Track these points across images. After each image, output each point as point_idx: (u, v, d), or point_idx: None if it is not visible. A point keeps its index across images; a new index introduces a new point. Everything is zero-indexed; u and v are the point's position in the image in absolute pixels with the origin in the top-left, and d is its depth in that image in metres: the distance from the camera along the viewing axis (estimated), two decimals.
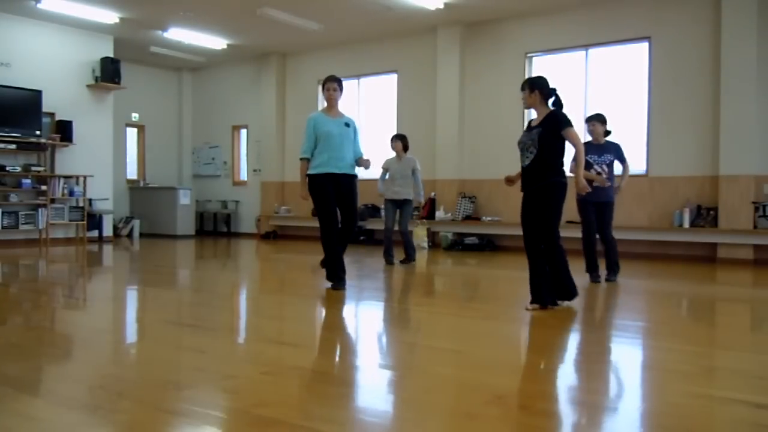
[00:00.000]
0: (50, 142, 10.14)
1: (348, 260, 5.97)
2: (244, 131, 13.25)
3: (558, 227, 4.52)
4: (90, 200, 10.82)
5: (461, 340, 3.66)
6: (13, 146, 9.74)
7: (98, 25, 10.44)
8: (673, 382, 2.73)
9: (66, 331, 3.86)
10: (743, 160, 7.97)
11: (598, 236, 6.04)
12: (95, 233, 11.06)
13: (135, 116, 13.09)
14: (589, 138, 6.08)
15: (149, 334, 3.81)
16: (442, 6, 9.21)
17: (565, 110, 4.57)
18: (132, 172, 13.30)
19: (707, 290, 6.08)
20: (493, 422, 2.19)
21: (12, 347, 3.26)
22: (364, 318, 4.48)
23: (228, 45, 11.64)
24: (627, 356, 3.36)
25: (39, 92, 9.98)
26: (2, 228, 9.68)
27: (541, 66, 9.71)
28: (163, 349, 3.33)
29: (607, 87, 9.11)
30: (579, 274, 6.00)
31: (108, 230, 11.37)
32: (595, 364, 3.18)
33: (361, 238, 10.75)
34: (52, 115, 10.41)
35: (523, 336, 3.89)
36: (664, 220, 8.54)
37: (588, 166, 6.00)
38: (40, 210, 10.10)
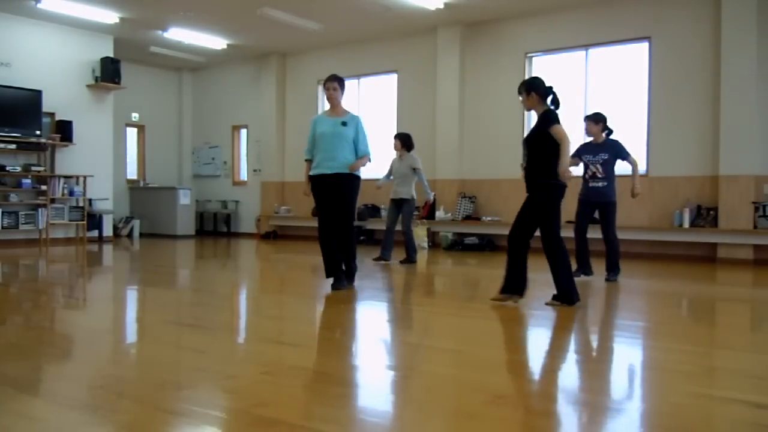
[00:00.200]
0: (50, 142, 10.14)
1: None
2: (244, 131, 13.25)
3: (558, 228, 4.51)
4: (90, 200, 10.82)
5: (461, 340, 3.66)
6: (13, 146, 9.74)
7: (98, 25, 10.44)
8: (673, 382, 2.73)
9: (66, 331, 3.86)
10: (743, 160, 7.97)
11: (602, 236, 6.05)
12: (95, 233, 11.06)
13: (135, 116, 13.09)
14: (590, 139, 6.09)
15: (149, 334, 3.81)
16: (442, 6, 9.21)
17: (563, 109, 4.58)
18: (132, 172, 13.31)
19: (707, 290, 6.08)
20: (493, 422, 2.19)
21: (12, 347, 3.26)
22: (364, 318, 4.48)
23: (228, 45, 11.64)
24: (627, 356, 3.36)
25: (39, 92, 9.98)
26: (2, 228, 9.68)
27: (541, 66, 9.71)
28: (163, 349, 3.33)
29: (607, 87, 9.11)
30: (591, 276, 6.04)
31: (108, 230, 11.37)
32: (595, 363, 3.18)
33: (362, 238, 10.74)
34: (52, 115, 10.41)
35: (523, 336, 3.89)
36: (664, 220, 8.54)
37: (585, 166, 6.01)
38: (40, 210, 10.10)
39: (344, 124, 5.33)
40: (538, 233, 4.57)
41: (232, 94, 13.27)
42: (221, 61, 13.04)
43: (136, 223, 12.48)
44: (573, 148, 5.43)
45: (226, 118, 13.41)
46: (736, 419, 2.27)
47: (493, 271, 7.45)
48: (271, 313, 4.69)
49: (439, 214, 10.09)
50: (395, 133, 7.99)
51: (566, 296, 4.48)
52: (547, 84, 4.58)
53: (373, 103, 11.42)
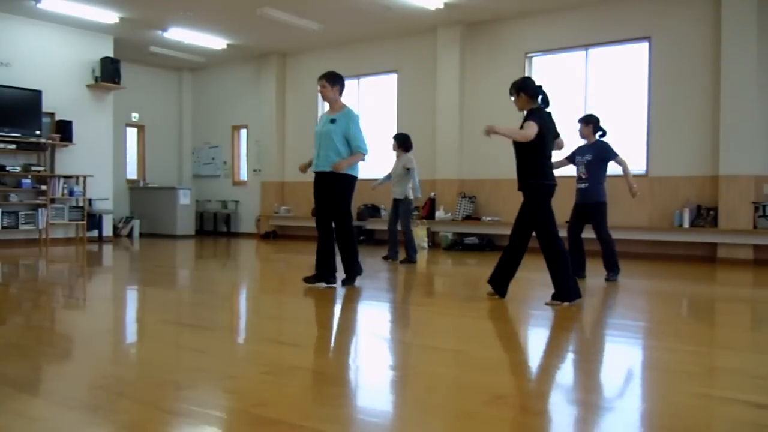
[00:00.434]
0: (50, 142, 10.14)
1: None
2: (244, 131, 13.25)
3: (550, 228, 4.54)
4: (90, 200, 10.82)
5: (461, 340, 3.66)
6: (13, 146, 9.74)
7: (98, 25, 10.44)
8: (673, 382, 2.73)
9: (66, 331, 3.86)
10: (743, 160, 7.97)
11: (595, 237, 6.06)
12: (95, 233, 11.06)
13: (135, 116, 13.10)
14: (584, 141, 6.14)
15: (149, 334, 3.81)
16: (442, 6, 9.21)
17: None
18: (132, 172, 13.31)
19: (707, 290, 6.08)
20: (492, 422, 2.19)
21: (12, 347, 3.26)
22: (364, 318, 4.48)
23: (228, 45, 11.64)
24: (627, 356, 3.36)
25: (39, 92, 9.98)
26: (2, 228, 9.68)
27: (541, 66, 9.71)
28: (163, 349, 3.33)
29: (607, 87, 9.11)
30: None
31: (108, 230, 11.37)
32: (595, 363, 3.18)
33: (362, 237, 10.75)
34: (52, 115, 10.42)
35: (523, 336, 3.89)
36: (664, 220, 8.53)
37: (576, 168, 6.08)
38: (40, 210, 10.09)
39: (333, 121, 5.30)
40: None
41: (232, 94, 13.27)
42: (221, 61, 13.04)
43: (136, 223, 12.48)
44: (560, 152, 5.44)
45: (226, 118, 13.41)
46: (736, 419, 2.27)
47: None
48: (271, 313, 4.69)
49: (439, 214, 10.09)
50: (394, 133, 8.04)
51: (563, 293, 4.48)
52: (548, 84, 4.63)
53: (373, 103, 11.42)
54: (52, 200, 10.13)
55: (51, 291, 5.59)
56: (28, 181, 9.95)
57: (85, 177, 10.42)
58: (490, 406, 2.36)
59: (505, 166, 9.53)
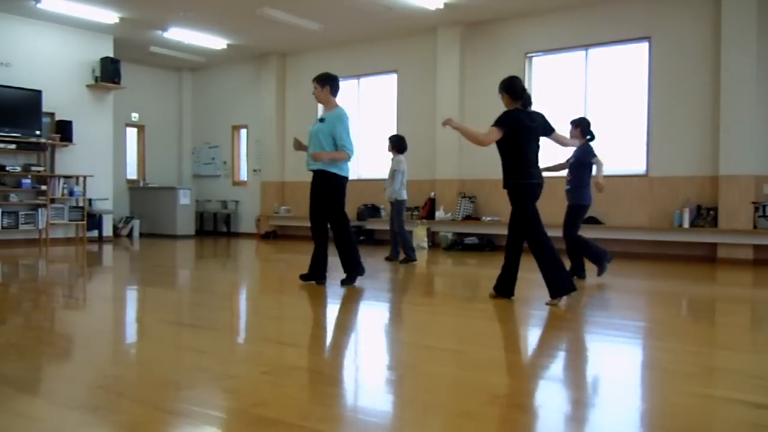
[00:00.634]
0: (50, 142, 10.14)
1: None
2: (244, 131, 13.25)
3: (535, 227, 4.61)
4: (90, 200, 10.82)
5: (461, 340, 3.66)
6: (13, 146, 9.74)
7: (98, 25, 10.44)
8: (673, 382, 2.73)
9: (66, 331, 3.86)
10: (743, 160, 7.97)
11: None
12: (95, 233, 11.06)
13: (135, 116, 13.09)
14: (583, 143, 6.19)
15: (149, 334, 3.81)
16: (442, 6, 9.21)
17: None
18: (132, 172, 13.30)
19: (707, 290, 6.08)
20: (492, 422, 2.19)
21: (12, 347, 3.26)
22: (364, 318, 4.48)
23: (228, 45, 11.64)
24: (627, 356, 3.36)
25: (39, 92, 9.98)
26: (2, 228, 9.68)
27: (541, 66, 9.71)
28: (163, 349, 3.33)
29: (607, 87, 9.11)
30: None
31: (108, 230, 11.37)
32: (594, 363, 3.18)
33: (361, 238, 10.75)
34: (52, 115, 10.42)
35: (523, 336, 3.89)
36: (664, 220, 8.53)
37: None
38: (40, 210, 10.09)
39: (322, 120, 5.40)
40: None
41: (232, 94, 13.27)
42: (221, 61, 13.04)
43: (136, 223, 12.48)
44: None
45: (225, 118, 13.41)
46: (736, 419, 2.27)
47: (493, 271, 7.41)
48: (271, 313, 4.69)
49: (439, 214, 10.09)
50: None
51: (557, 289, 4.53)
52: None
53: (373, 103, 11.42)
54: (52, 200, 10.13)
55: (51, 291, 5.59)
56: (28, 181, 9.95)
57: (85, 177, 10.42)
58: (489, 406, 2.36)
59: None
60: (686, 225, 8.22)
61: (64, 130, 10.36)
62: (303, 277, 5.64)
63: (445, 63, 10.26)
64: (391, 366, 3.07)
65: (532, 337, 3.86)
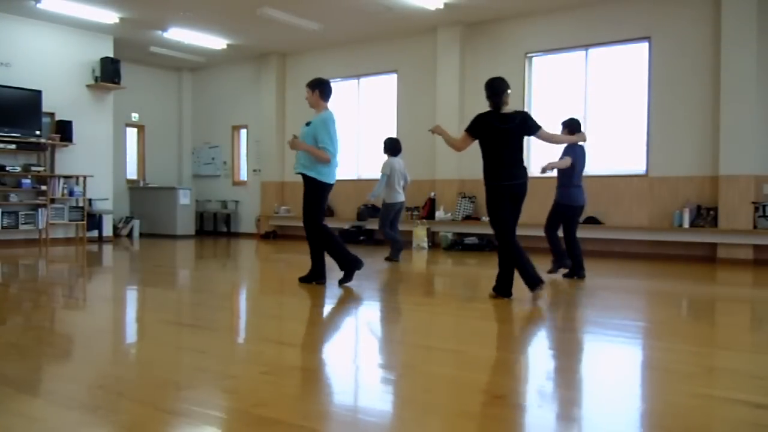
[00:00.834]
0: (50, 142, 10.14)
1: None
2: (244, 131, 13.25)
3: (499, 226, 4.76)
4: (90, 200, 10.82)
5: (461, 340, 3.66)
6: (13, 146, 9.73)
7: (98, 25, 10.44)
8: (673, 382, 2.73)
9: (66, 331, 3.86)
10: (743, 160, 7.97)
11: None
12: (95, 233, 11.06)
13: (135, 116, 13.09)
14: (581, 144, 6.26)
15: (149, 334, 3.81)
16: (442, 6, 9.21)
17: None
18: (132, 172, 13.30)
19: (707, 290, 6.08)
20: (492, 422, 2.19)
21: (12, 347, 3.26)
22: (364, 318, 4.48)
23: (228, 45, 11.64)
24: (627, 356, 3.36)
25: (39, 92, 9.98)
26: (2, 228, 9.68)
27: (541, 66, 9.70)
28: (163, 349, 3.33)
29: (607, 87, 9.11)
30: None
31: (108, 230, 11.37)
32: (594, 363, 3.18)
33: (361, 238, 10.75)
34: (52, 115, 10.41)
35: (523, 336, 3.89)
36: (664, 220, 8.53)
37: None
38: (40, 210, 10.09)
39: (308, 123, 5.50)
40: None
41: (232, 94, 13.27)
42: (221, 61, 13.04)
43: (136, 223, 12.48)
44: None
45: (225, 118, 13.41)
46: (736, 419, 2.27)
47: (493, 271, 7.43)
48: (271, 313, 4.69)
49: (439, 214, 10.09)
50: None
51: (531, 282, 4.67)
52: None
53: (373, 103, 11.42)
54: (52, 200, 10.13)
55: (51, 291, 5.59)
56: (28, 181, 9.95)
57: (85, 177, 10.42)
58: (489, 406, 2.36)
59: None
60: (686, 225, 8.22)
61: (64, 130, 10.36)
62: (302, 280, 5.66)
63: (445, 63, 10.26)
64: (391, 366, 3.07)
65: (531, 336, 3.86)
